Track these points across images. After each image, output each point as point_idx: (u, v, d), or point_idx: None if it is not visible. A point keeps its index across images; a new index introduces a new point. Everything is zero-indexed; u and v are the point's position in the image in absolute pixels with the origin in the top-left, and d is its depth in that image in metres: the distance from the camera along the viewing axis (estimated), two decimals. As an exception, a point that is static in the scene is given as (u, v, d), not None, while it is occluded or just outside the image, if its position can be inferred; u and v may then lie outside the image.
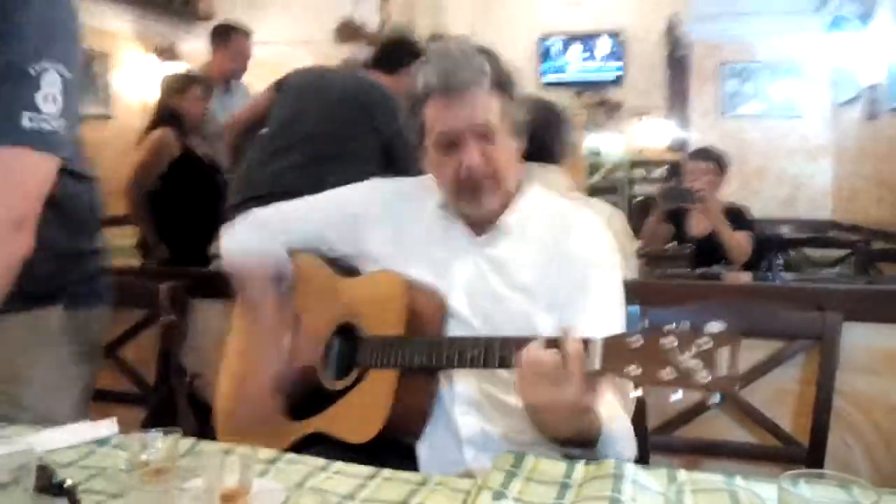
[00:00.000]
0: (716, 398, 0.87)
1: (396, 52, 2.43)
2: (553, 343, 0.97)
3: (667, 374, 0.86)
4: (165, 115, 3.19)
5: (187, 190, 3.05)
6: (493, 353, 1.07)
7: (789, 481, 0.82)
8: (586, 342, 0.95)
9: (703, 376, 0.84)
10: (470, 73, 1.17)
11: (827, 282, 2.37)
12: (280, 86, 2.43)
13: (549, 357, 0.96)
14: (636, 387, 0.93)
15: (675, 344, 0.86)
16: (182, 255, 2.95)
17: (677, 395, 0.90)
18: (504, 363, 1.06)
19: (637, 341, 0.90)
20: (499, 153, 1.20)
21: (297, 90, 2.37)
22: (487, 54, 1.21)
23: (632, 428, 1.14)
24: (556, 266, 1.22)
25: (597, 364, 0.93)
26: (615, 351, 0.92)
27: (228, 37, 3.45)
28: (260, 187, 2.18)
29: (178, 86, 3.25)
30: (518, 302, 1.21)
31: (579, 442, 1.06)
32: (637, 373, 0.89)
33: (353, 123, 2.22)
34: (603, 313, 1.19)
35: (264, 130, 2.42)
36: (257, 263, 1.40)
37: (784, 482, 0.82)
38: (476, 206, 1.23)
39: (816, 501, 0.80)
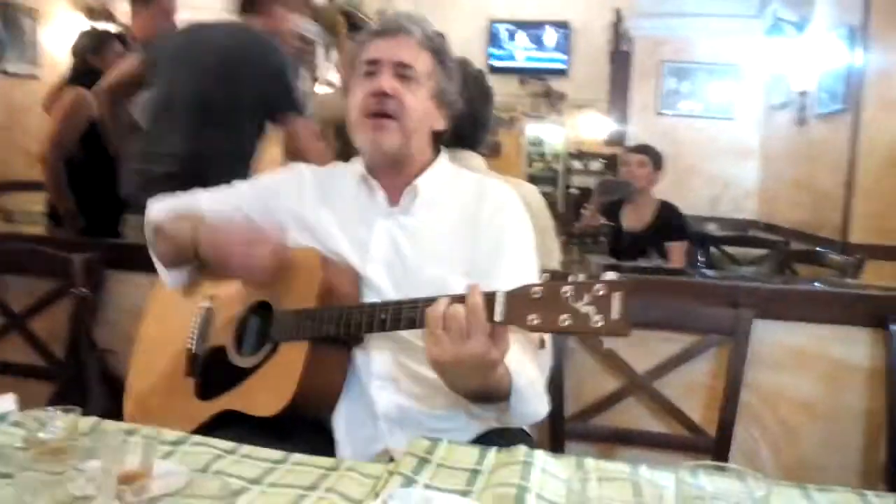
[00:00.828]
0: (606, 342, 0.92)
1: None
2: (458, 299, 1.00)
3: (564, 319, 0.91)
4: (82, 75, 2.95)
5: (107, 156, 2.79)
6: (402, 314, 1.09)
7: (688, 472, 0.85)
8: (489, 295, 0.98)
9: (598, 320, 0.89)
10: (407, 23, 1.28)
11: (741, 280, 2.46)
12: (148, 51, 2.33)
13: (453, 311, 0.98)
14: (540, 336, 0.97)
15: (572, 292, 0.90)
16: (98, 227, 2.72)
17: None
18: (412, 324, 1.08)
19: (537, 292, 0.93)
20: (411, 98, 1.25)
21: (171, 58, 2.26)
22: (436, 31, 1.31)
23: (543, 385, 1.18)
24: (471, 232, 1.26)
25: (499, 315, 0.96)
26: (517, 302, 0.95)
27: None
28: (160, 161, 2.13)
29: (95, 43, 3.02)
30: (433, 268, 1.23)
31: (490, 397, 1.09)
32: (537, 321, 0.92)
33: (233, 80, 2.14)
34: (518, 275, 1.21)
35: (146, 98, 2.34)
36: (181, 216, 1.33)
37: (682, 473, 0.84)
38: (377, 136, 1.24)
39: (710, 490, 0.83)
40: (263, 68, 2.13)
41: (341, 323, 1.14)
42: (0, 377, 1.91)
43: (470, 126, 1.70)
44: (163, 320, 1.43)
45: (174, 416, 1.26)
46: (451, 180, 1.34)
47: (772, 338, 1.66)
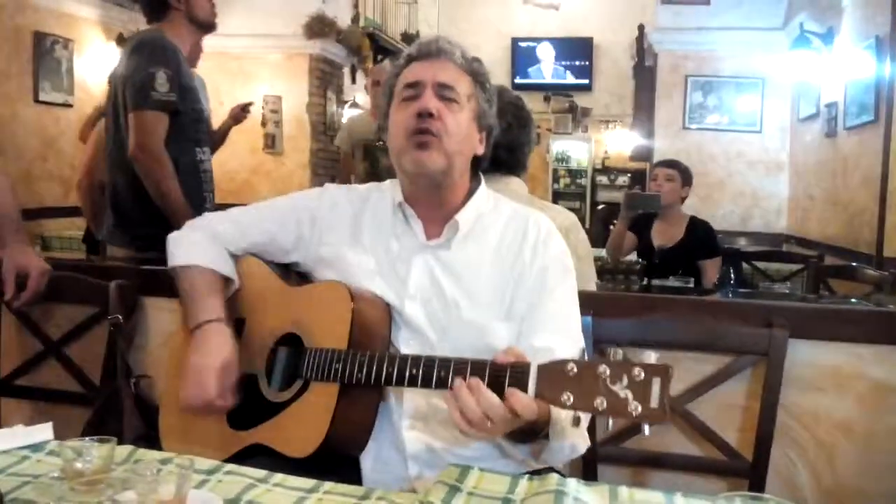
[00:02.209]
0: (647, 430, 0.89)
1: None
2: (491, 373, 0.99)
3: (599, 403, 0.88)
4: None
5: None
6: (432, 374, 1.08)
7: (724, 502, 0.83)
8: (522, 368, 0.96)
9: (635, 407, 0.86)
10: (447, 46, 1.27)
11: (775, 298, 2.42)
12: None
13: (482, 404, 0.98)
14: (575, 413, 0.95)
15: (609, 373, 0.88)
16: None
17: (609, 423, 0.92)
18: (443, 384, 1.06)
19: (572, 369, 0.91)
20: (454, 120, 1.23)
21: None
22: (474, 57, 1.31)
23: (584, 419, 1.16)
24: (512, 272, 1.24)
25: (531, 390, 0.94)
26: (550, 378, 0.93)
27: None
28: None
29: None
30: (472, 309, 1.22)
31: (530, 432, 1.08)
32: (570, 401, 0.90)
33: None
34: (563, 319, 1.22)
35: None
36: (203, 276, 1.35)
37: (718, 503, 0.83)
38: (422, 156, 1.21)
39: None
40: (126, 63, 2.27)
41: (372, 372, 1.13)
42: (37, 402, 1.95)
43: (507, 153, 1.69)
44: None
45: (207, 442, 1.27)
46: (491, 211, 1.31)
47: (808, 358, 1.62)
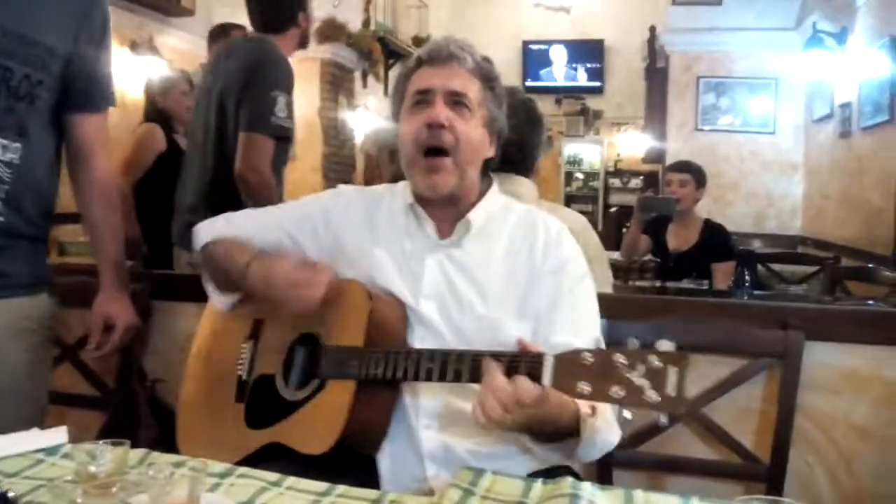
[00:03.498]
0: (664, 419, 0.88)
1: (285, 6, 2.28)
2: (506, 362, 0.98)
3: (616, 391, 0.87)
4: (152, 115, 3.31)
5: (172, 188, 2.98)
6: (448, 367, 1.08)
7: (740, 505, 0.82)
8: (537, 358, 0.95)
9: (652, 395, 0.85)
10: (457, 51, 1.25)
11: (791, 300, 2.39)
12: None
13: (502, 385, 0.96)
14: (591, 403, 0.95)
15: (625, 362, 0.87)
16: (162, 255, 2.75)
17: (627, 413, 0.92)
18: (458, 377, 1.07)
19: (588, 358, 0.90)
20: (466, 129, 1.22)
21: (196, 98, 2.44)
22: (484, 57, 1.29)
23: (612, 411, 1.14)
24: (523, 273, 1.24)
25: (547, 380, 0.93)
26: (566, 368, 0.92)
27: (227, 35, 3.37)
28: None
29: (160, 88, 3.35)
30: (486, 308, 1.21)
31: (557, 431, 1.07)
32: (587, 390, 0.89)
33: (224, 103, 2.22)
34: (581, 318, 1.21)
35: None
36: (233, 240, 1.38)
37: (735, 507, 0.82)
38: (433, 180, 1.22)
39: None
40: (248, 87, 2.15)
41: (388, 368, 1.14)
42: (53, 406, 1.95)
43: (517, 152, 1.68)
44: (214, 344, 1.44)
45: (224, 442, 1.28)
46: (502, 213, 1.31)
47: (824, 360, 1.60)
